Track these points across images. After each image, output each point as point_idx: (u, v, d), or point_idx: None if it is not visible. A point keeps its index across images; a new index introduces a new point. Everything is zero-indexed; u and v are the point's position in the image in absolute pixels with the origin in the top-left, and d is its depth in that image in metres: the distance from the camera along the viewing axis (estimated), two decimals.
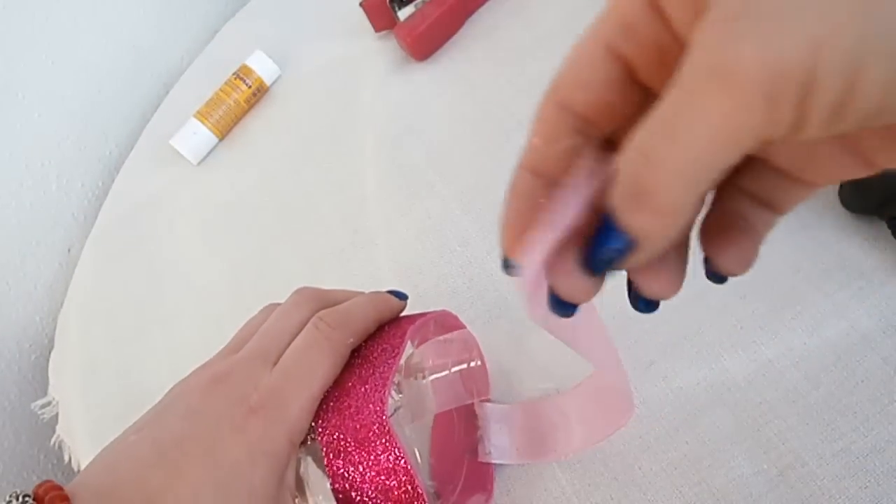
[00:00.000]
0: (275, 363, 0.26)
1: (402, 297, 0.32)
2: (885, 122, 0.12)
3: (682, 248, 0.17)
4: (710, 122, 0.12)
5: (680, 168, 0.12)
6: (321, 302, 0.29)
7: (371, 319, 0.29)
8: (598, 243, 0.14)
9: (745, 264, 0.17)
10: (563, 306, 0.16)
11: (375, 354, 0.28)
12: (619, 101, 0.15)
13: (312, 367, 0.25)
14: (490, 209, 0.44)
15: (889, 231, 0.32)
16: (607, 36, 0.15)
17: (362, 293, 0.31)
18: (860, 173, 0.14)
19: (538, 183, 0.17)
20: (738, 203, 0.17)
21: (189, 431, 0.24)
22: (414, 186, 0.48)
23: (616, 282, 0.17)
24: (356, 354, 0.28)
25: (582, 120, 0.16)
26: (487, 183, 0.45)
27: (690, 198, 0.13)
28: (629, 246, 0.14)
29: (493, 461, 0.32)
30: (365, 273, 0.46)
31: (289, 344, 0.26)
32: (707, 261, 0.18)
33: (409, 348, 0.30)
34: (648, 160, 0.13)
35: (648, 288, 0.16)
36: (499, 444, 0.32)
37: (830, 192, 0.35)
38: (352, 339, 0.27)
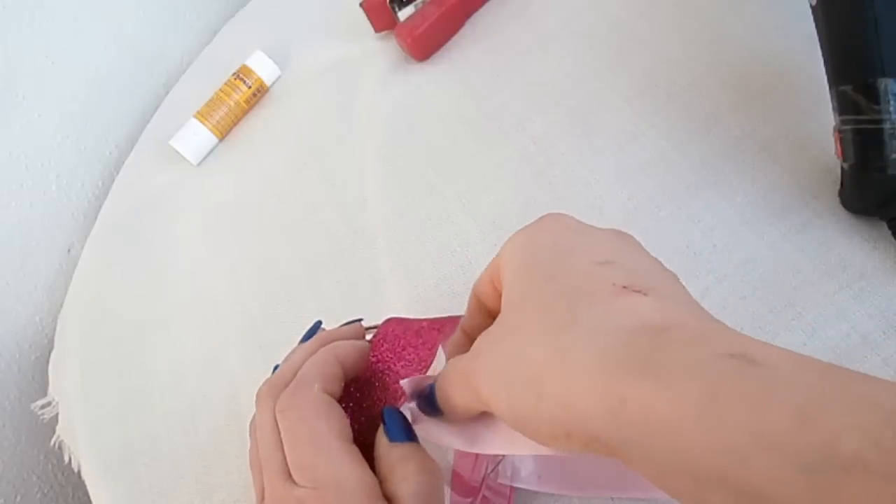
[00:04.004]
0: (289, 471, 0.25)
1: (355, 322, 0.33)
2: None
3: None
4: (461, 399, 0.23)
5: (456, 409, 0.24)
6: (277, 390, 0.27)
7: (317, 354, 0.28)
8: (423, 403, 0.25)
9: None
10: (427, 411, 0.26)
11: (401, 364, 0.28)
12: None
13: (311, 439, 0.24)
14: (490, 209, 0.44)
15: (889, 232, 0.32)
16: (491, 273, 0.25)
17: (302, 345, 0.30)
18: None
19: (466, 338, 0.27)
20: None
21: None
22: (414, 186, 0.48)
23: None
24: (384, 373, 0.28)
25: (486, 307, 0.26)
26: (487, 183, 0.45)
27: (469, 414, 0.23)
28: (439, 414, 0.25)
29: (513, 485, 0.32)
30: (365, 273, 0.46)
31: (282, 447, 0.25)
32: None
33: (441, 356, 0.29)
34: (444, 395, 0.24)
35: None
36: (522, 469, 0.32)
37: (831, 193, 0.35)
38: (317, 386, 0.26)
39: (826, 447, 0.13)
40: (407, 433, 0.25)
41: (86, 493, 0.47)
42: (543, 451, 0.22)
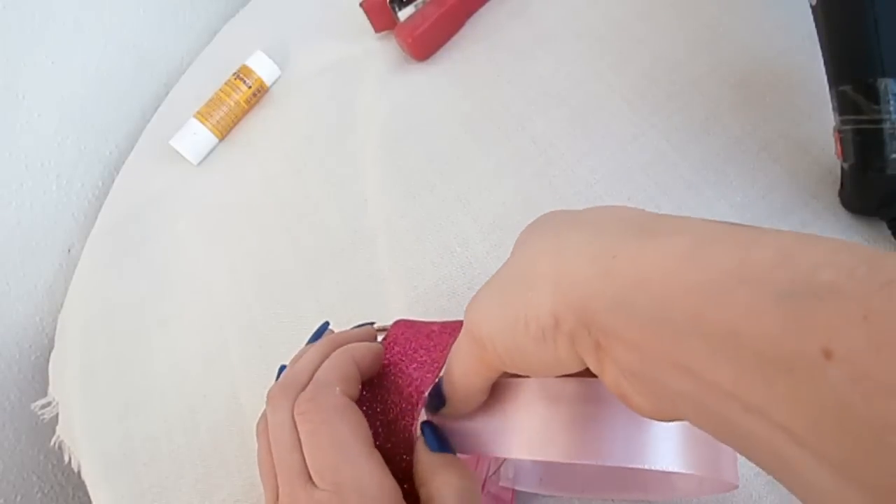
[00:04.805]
0: (309, 474, 0.24)
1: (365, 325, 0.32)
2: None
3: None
4: (461, 358, 0.23)
5: (456, 385, 0.24)
6: (292, 391, 0.27)
7: (333, 356, 0.27)
8: (431, 397, 0.26)
9: None
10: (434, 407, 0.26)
11: (414, 367, 0.28)
12: None
13: (333, 443, 0.24)
14: (490, 209, 0.44)
15: (889, 232, 0.32)
16: None
17: (314, 346, 0.29)
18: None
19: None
20: None
21: None
22: (414, 186, 0.48)
23: None
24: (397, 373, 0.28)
25: None
26: (487, 183, 0.45)
27: (471, 398, 0.24)
28: (442, 406, 0.25)
29: (515, 487, 0.32)
30: (365, 273, 0.46)
31: (301, 449, 0.25)
32: None
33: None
34: (448, 374, 0.24)
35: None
36: (522, 471, 0.32)
37: (830, 193, 0.35)
38: (339, 388, 0.26)
39: (804, 276, 0.13)
40: (444, 445, 0.25)
41: (86, 493, 0.47)
42: (538, 455, 0.22)
